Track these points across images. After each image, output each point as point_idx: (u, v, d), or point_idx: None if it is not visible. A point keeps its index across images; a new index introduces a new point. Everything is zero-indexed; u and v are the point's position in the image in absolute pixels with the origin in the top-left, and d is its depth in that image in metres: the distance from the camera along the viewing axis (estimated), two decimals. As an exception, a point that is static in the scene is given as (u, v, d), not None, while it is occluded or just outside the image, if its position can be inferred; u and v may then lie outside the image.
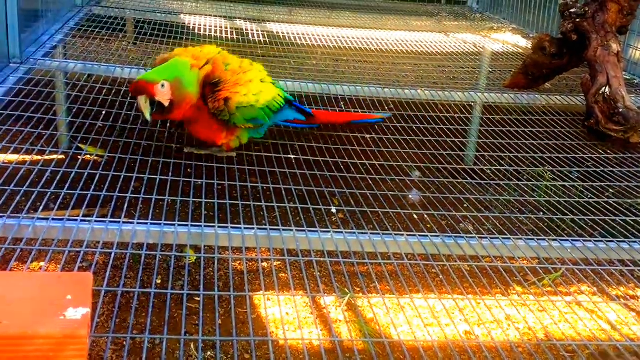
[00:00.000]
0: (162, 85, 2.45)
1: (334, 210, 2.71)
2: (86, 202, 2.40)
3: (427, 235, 2.48)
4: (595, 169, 3.31)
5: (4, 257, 2.13)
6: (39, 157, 2.84)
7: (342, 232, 2.44)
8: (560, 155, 3.44)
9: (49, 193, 2.42)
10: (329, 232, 2.43)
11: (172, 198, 2.55)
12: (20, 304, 1.53)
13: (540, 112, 4.05)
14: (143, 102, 2.46)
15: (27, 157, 2.80)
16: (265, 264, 3.04)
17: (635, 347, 2.03)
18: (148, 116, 2.48)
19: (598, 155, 3.47)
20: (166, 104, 2.50)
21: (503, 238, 2.53)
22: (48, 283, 1.66)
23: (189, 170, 2.87)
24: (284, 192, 2.73)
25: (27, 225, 2.16)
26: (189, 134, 2.97)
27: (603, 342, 2.24)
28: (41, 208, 2.33)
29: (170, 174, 2.74)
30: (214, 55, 2.76)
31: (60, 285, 1.64)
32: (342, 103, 3.98)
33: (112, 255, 2.11)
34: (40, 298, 1.56)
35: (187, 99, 2.57)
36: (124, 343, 2.61)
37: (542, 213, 2.85)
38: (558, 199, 2.96)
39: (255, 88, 2.78)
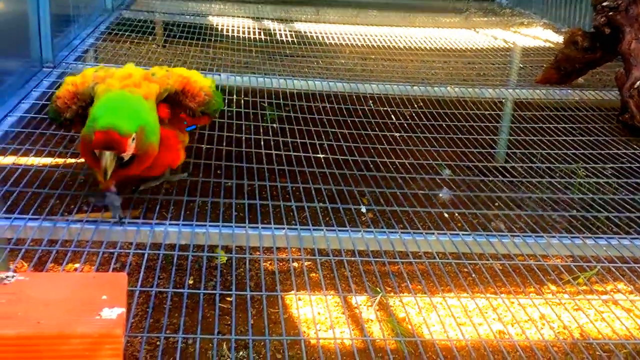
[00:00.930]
0: (133, 139, 1.95)
1: (363, 209, 2.70)
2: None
3: (458, 234, 2.46)
4: (630, 165, 3.25)
5: (40, 258, 2.16)
6: (72, 160, 2.88)
7: (372, 232, 2.43)
8: (594, 152, 3.38)
9: (82, 196, 2.46)
10: (359, 231, 2.42)
11: (202, 199, 2.57)
12: (56, 304, 1.55)
13: (573, 107, 3.98)
14: (110, 159, 1.92)
15: (61, 160, 2.84)
16: (296, 264, 3.04)
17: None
18: (109, 175, 1.97)
19: (633, 151, 3.41)
20: (127, 158, 1.99)
21: (536, 236, 2.49)
22: (84, 283, 1.68)
23: (218, 171, 2.88)
24: (313, 191, 2.73)
25: (62, 227, 2.20)
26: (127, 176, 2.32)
27: (641, 341, 2.20)
28: (75, 210, 2.36)
29: (201, 175, 2.76)
30: (143, 73, 2.28)
31: (96, 285, 1.66)
32: (371, 102, 3.97)
33: (145, 256, 2.13)
34: (76, 298, 1.59)
35: (151, 150, 2.07)
36: (158, 343, 2.64)
37: (575, 210, 2.81)
38: (592, 195, 2.91)
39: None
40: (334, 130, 3.48)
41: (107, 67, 2.34)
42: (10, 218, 2.21)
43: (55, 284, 1.67)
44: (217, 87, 2.52)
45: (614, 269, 2.32)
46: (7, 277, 1.63)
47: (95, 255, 2.28)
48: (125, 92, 2.09)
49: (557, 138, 3.53)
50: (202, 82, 2.38)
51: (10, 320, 1.47)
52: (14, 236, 2.16)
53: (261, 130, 3.36)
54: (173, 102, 2.27)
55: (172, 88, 2.25)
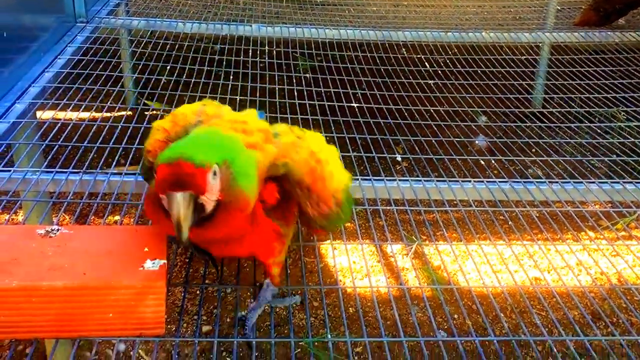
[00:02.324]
0: (215, 173, 1.33)
1: (399, 158, 2.70)
2: (156, 157, 2.46)
3: (494, 181, 2.44)
4: (674, 108, 3.17)
5: (81, 211, 2.22)
6: (109, 114, 2.91)
7: (407, 180, 2.42)
8: (634, 95, 3.29)
9: (120, 149, 2.49)
10: (394, 180, 2.41)
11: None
12: (101, 257, 1.59)
13: (613, 50, 3.86)
14: (184, 204, 1.29)
15: (98, 115, 2.88)
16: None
17: None
18: (187, 231, 1.31)
19: (677, 93, 3.31)
20: (210, 207, 1.35)
21: (574, 182, 2.46)
22: (126, 236, 1.72)
23: (253, 122, 2.89)
24: (347, 141, 2.72)
25: (102, 180, 2.24)
26: (209, 256, 1.82)
27: (681, 286, 2.18)
28: (114, 163, 2.40)
29: (235, 126, 2.78)
30: (263, 126, 1.63)
31: (138, 238, 1.70)
32: (404, 49, 3.90)
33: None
34: (119, 250, 1.63)
35: (242, 199, 1.41)
36: (198, 292, 2.71)
37: (615, 155, 2.75)
38: (633, 139, 2.85)
39: (329, 156, 1.70)
40: (367, 79, 3.45)
41: (217, 103, 1.79)
42: (51, 172, 2.26)
43: (99, 236, 1.71)
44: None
45: (654, 215, 2.28)
46: (52, 230, 1.67)
47: (134, 208, 2.33)
48: (217, 130, 1.54)
49: (596, 82, 3.45)
50: (339, 177, 1.67)
51: (57, 272, 1.51)
52: (56, 190, 2.21)
53: (294, 81, 3.34)
54: (284, 187, 1.56)
55: (295, 170, 1.54)
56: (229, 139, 1.48)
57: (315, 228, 1.65)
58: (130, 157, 2.44)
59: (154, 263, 1.58)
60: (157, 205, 1.38)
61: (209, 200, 1.34)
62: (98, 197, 2.18)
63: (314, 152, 1.60)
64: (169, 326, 2.64)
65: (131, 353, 2.90)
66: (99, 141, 2.53)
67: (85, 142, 2.52)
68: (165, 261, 1.61)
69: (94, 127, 2.66)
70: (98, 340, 1.57)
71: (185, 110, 1.70)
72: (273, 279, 1.75)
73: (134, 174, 2.29)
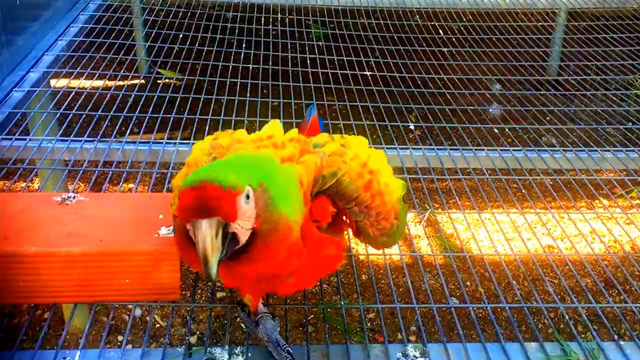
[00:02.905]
0: (247, 197, 1.14)
1: (412, 126, 2.69)
2: (169, 125, 2.47)
3: (508, 150, 2.43)
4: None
5: (96, 179, 2.24)
6: (122, 83, 2.92)
7: (420, 149, 2.42)
8: (653, 62, 3.25)
9: (134, 117, 2.50)
10: (407, 148, 2.41)
11: (250, 119, 2.59)
12: (117, 223, 1.62)
13: (630, 16, 3.80)
14: (212, 233, 1.10)
15: (111, 83, 2.89)
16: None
17: None
18: (215, 265, 1.11)
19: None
20: (244, 237, 1.16)
21: (589, 150, 2.44)
22: (141, 203, 1.74)
23: (264, 91, 2.89)
24: (360, 109, 2.72)
25: (116, 148, 2.26)
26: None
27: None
28: (128, 132, 2.41)
29: (248, 94, 2.77)
30: (296, 136, 1.45)
31: (152, 205, 1.72)
32: (417, 16, 3.86)
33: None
34: (134, 217, 1.65)
35: (282, 227, 1.20)
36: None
37: (631, 123, 2.73)
38: (649, 107, 2.83)
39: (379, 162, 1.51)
40: (380, 47, 3.42)
41: (230, 132, 1.56)
42: (66, 140, 2.28)
43: (114, 204, 1.73)
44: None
45: (669, 183, 2.27)
46: (69, 197, 1.69)
47: (149, 176, 2.34)
48: (244, 152, 1.37)
49: (613, 49, 3.40)
50: (394, 187, 1.49)
51: (75, 239, 1.54)
52: (71, 158, 2.23)
53: (307, 49, 3.33)
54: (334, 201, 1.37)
55: (347, 183, 1.36)
56: (261, 158, 1.30)
57: (377, 245, 1.46)
58: (144, 125, 2.45)
59: (169, 230, 1.60)
60: (183, 237, 1.16)
61: (242, 229, 1.13)
62: (113, 165, 2.20)
63: (365, 163, 1.41)
64: (183, 292, 2.68)
65: (147, 318, 2.95)
66: (113, 109, 2.54)
67: (99, 110, 2.53)
68: (180, 228, 1.62)
69: (108, 95, 2.67)
70: (115, 305, 1.60)
71: (197, 154, 1.46)
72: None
73: (148, 142, 2.30)
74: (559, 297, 2.89)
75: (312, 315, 2.93)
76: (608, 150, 2.44)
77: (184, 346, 1.51)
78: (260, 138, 1.43)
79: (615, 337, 1.61)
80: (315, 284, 1.51)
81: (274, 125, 1.54)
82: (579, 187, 2.30)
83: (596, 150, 2.44)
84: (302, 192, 1.28)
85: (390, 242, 1.48)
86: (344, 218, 1.41)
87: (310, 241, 1.29)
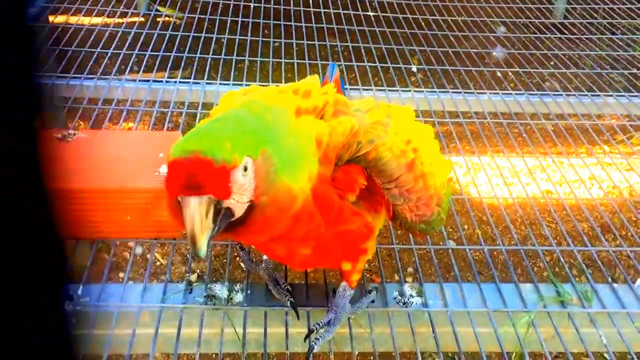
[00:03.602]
0: (245, 169, 1.02)
1: (414, 69, 2.66)
2: (169, 65, 2.44)
3: (510, 93, 2.41)
4: (699, 20, 3.07)
5: (96, 117, 2.23)
6: (121, 20, 2.87)
7: (422, 91, 2.40)
8: (661, 6, 3.19)
9: (133, 55, 2.48)
10: (409, 91, 2.39)
11: (251, 59, 2.56)
12: (117, 161, 1.62)
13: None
14: (201, 212, 0.99)
15: (110, 20, 2.84)
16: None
17: None
18: (204, 245, 1.00)
19: (703, 5, 3.20)
20: (240, 211, 1.04)
21: (592, 95, 2.43)
22: (141, 141, 1.74)
23: (266, 31, 2.85)
24: (363, 51, 2.68)
25: (116, 86, 2.24)
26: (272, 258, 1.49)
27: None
28: (127, 70, 2.39)
29: (249, 34, 2.74)
30: (329, 89, 1.27)
31: (152, 143, 1.72)
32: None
33: (198, 115, 2.17)
34: (134, 155, 1.65)
35: (284, 199, 1.07)
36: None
37: (636, 69, 2.70)
38: (655, 53, 2.79)
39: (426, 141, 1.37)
40: None
41: (258, 88, 1.37)
42: (66, 78, 2.26)
43: (114, 141, 1.73)
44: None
45: (671, 129, 2.26)
46: (69, 134, 1.69)
47: (149, 115, 2.33)
48: (257, 100, 1.19)
49: (621, -9, 3.34)
50: (439, 169, 1.35)
51: (75, 176, 1.54)
52: (71, 96, 2.22)
53: (309, -12, 3.26)
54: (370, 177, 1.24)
55: (387, 158, 1.22)
56: (270, 113, 1.13)
57: (414, 232, 1.33)
58: (144, 64, 2.42)
59: (169, 168, 1.60)
60: (174, 204, 1.03)
61: (237, 203, 1.02)
62: (113, 104, 2.19)
63: (409, 140, 1.26)
64: (184, 231, 2.71)
65: (148, 256, 2.99)
66: (112, 47, 2.51)
67: (99, 48, 2.50)
68: (181, 166, 1.63)
69: (107, 33, 2.63)
70: (116, 242, 1.62)
71: (227, 96, 1.32)
72: (351, 283, 1.43)
73: (148, 80, 2.28)
74: (556, 240, 2.92)
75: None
76: (611, 96, 2.42)
77: (184, 282, 1.53)
78: (285, 86, 1.26)
79: (609, 279, 1.63)
80: (338, 265, 1.37)
81: (312, 79, 1.33)
82: (581, 133, 2.29)
83: (599, 95, 2.42)
84: (320, 154, 1.13)
85: (429, 229, 1.33)
86: (380, 197, 1.25)
87: (325, 207, 1.15)
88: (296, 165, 1.09)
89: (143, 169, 1.60)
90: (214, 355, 1.46)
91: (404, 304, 1.51)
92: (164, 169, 1.60)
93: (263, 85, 1.63)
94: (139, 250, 3.04)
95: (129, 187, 1.54)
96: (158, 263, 3.00)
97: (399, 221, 1.28)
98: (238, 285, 1.52)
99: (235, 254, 2.59)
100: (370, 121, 1.23)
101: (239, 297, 1.49)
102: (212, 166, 0.96)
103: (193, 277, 2.91)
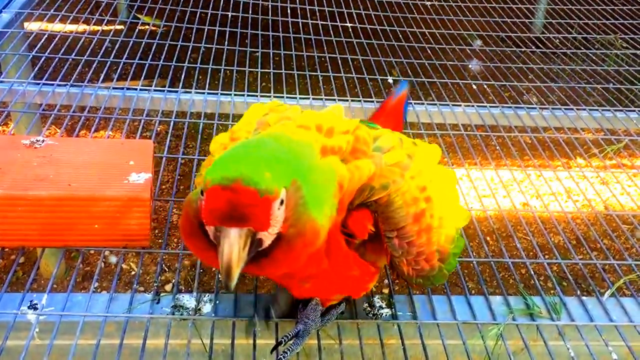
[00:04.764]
0: (282, 202, 1.00)
1: (390, 80, 2.66)
2: (144, 72, 2.43)
3: (485, 106, 2.43)
4: (671, 37, 3.12)
5: (69, 124, 2.21)
6: (98, 27, 2.85)
7: (398, 103, 2.40)
8: (634, 22, 3.23)
9: (109, 62, 2.46)
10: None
11: (228, 68, 2.55)
12: (86, 168, 1.60)
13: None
14: (241, 245, 0.98)
15: (86, 27, 2.82)
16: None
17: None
18: (237, 277, 0.99)
19: (676, 22, 3.26)
20: (268, 241, 1.02)
21: (565, 109, 2.45)
22: (111, 149, 1.72)
23: (245, 40, 2.84)
24: (340, 62, 2.69)
25: (89, 93, 2.22)
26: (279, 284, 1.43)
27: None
28: (102, 77, 2.37)
29: (227, 43, 2.73)
30: (352, 126, 1.23)
31: (123, 151, 1.70)
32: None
33: (172, 124, 2.16)
34: (104, 163, 1.63)
35: (310, 232, 1.06)
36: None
37: (611, 84, 2.73)
38: (628, 67, 2.82)
39: (443, 192, 1.31)
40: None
41: (287, 106, 1.37)
42: (39, 83, 2.23)
43: (84, 148, 1.70)
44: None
45: (643, 144, 2.29)
46: (37, 140, 1.67)
47: (122, 122, 2.31)
48: (282, 134, 1.15)
49: (596, 7, 3.38)
50: (449, 222, 1.29)
51: (43, 183, 1.52)
52: (43, 101, 2.20)
53: (288, -2, 3.27)
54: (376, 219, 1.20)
55: (397, 205, 1.18)
56: (298, 145, 1.11)
57: (410, 284, 1.29)
58: (119, 71, 2.40)
59: (139, 176, 1.59)
60: (198, 228, 1.02)
61: (268, 235, 1.00)
62: (86, 110, 2.17)
63: (425, 187, 1.21)
64: (159, 240, 2.68)
65: (123, 265, 2.96)
66: (88, 54, 2.49)
67: (73, 54, 2.48)
68: (151, 175, 1.62)
69: (83, 39, 2.61)
70: (83, 250, 1.60)
71: (241, 126, 1.29)
72: (325, 302, 1.39)
73: (122, 88, 2.26)
74: (531, 253, 2.93)
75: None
76: (584, 109, 2.44)
77: (152, 293, 1.51)
78: (308, 118, 1.21)
79: (578, 292, 1.64)
80: (333, 298, 1.37)
81: (336, 109, 1.31)
82: (555, 147, 2.31)
83: (572, 109, 2.45)
84: (339, 198, 1.11)
85: (427, 284, 1.28)
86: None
87: (334, 253, 1.15)
88: (322, 202, 1.07)
89: (112, 177, 1.58)
90: (180, 367, 1.44)
91: (374, 315, 1.51)
92: (133, 177, 1.58)
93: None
94: (113, 259, 3.01)
95: (98, 195, 1.52)
96: (132, 272, 2.98)
97: (396, 271, 1.25)
98: (207, 295, 1.51)
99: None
100: (389, 163, 1.19)
101: (207, 307, 1.48)
102: (257, 197, 0.95)
103: (168, 287, 2.88)
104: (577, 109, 2.43)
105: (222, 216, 0.95)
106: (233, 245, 0.96)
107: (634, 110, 2.45)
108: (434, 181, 1.24)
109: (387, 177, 1.16)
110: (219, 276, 1.02)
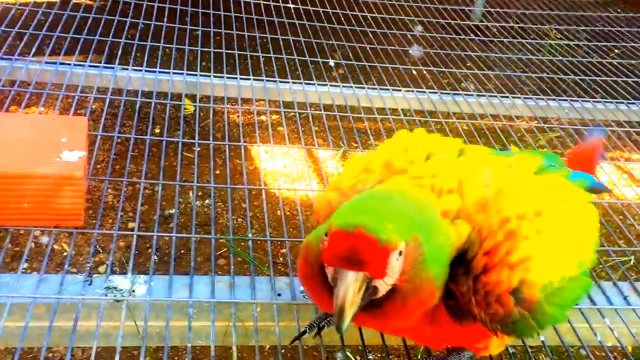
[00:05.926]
0: (400, 253, 1.03)
1: (332, 63, 2.66)
2: (79, 47, 2.35)
3: (424, 91, 2.46)
4: (603, 29, 3.22)
5: (-2, 100, 2.12)
6: (30, -1, 2.75)
7: (339, 86, 2.41)
8: (569, 13, 3.33)
9: (42, 36, 2.37)
10: (325, 85, 2.40)
11: (167, 46, 2.50)
12: (16, 145, 1.54)
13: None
14: (356, 288, 1.01)
15: (17, -2, 2.71)
16: (262, 117, 3.04)
17: (622, 207, 2.08)
18: (349, 320, 1.02)
19: (608, 14, 3.36)
20: (382, 291, 1.04)
21: (501, 96, 2.51)
22: (43, 125, 1.66)
23: (185, 18, 2.78)
24: (282, 43, 2.67)
25: (19, 67, 2.13)
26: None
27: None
28: (33, 51, 2.28)
29: (166, 20, 2.67)
30: (460, 175, 1.21)
31: (56, 127, 1.64)
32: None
33: (107, 101, 2.09)
34: (36, 140, 1.58)
35: (426, 289, 1.08)
36: (128, 188, 2.68)
37: (545, 73, 2.80)
38: (562, 58, 2.91)
39: (560, 238, 1.19)
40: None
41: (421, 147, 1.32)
42: (-36, 57, 2.13)
43: (14, 124, 1.64)
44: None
45: (574, 132, 2.36)
46: (-37, 115, 1.60)
47: (54, 98, 2.24)
48: (406, 190, 1.17)
49: (533, -3, 3.47)
50: (546, 264, 1.14)
51: (-31, 159, 1.46)
52: (-31, 75, 2.10)
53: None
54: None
55: (475, 242, 1.13)
56: (421, 204, 1.12)
57: (487, 329, 1.16)
58: (52, 44, 2.32)
59: (72, 154, 1.54)
60: (318, 271, 1.07)
61: (383, 284, 1.03)
62: (16, 85, 2.08)
63: (508, 218, 1.14)
64: (93, 221, 2.62)
65: (54, 246, 2.87)
66: (18, 26, 2.39)
67: (3, 25, 2.37)
68: (85, 153, 1.57)
69: (13, 10, 2.50)
70: (13, 229, 1.54)
71: (347, 173, 1.31)
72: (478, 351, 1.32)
73: (55, 62, 2.18)
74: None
75: (225, 249, 2.94)
76: (519, 98, 2.50)
77: (84, 274, 1.47)
78: (421, 175, 1.20)
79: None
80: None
81: (446, 160, 1.27)
82: (490, 134, 2.36)
83: (508, 97, 2.50)
84: (450, 254, 1.10)
85: (509, 332, 1.16)
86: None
87: (435, 321, 1.15)
88: (441, 262, 1.09)
89: (44, 154, 1.53)
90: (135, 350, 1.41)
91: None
92: (66, 155, 1.53)
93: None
94: (45, 239, 2.92)
95: (28, 173, 1.47)
96: (65, 253, 2.89)
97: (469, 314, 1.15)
98: (141, 277, 1.48)
99: (148, 246, 2.54)
100: (472, 199, 1.15)
101: (141, 289, 1.45)
102: (376, 245, 0.99)
103: (102, 268, 2.82)
104: (513, 97, 2.49)
105: (342, 259, 1.00)
106: (349, 287, 1.00)
107: (566, 100, 2.53)
108: (527, 216, 1.15)
109: (471, 221, 1.13)
110: (332, 319, 1.08)
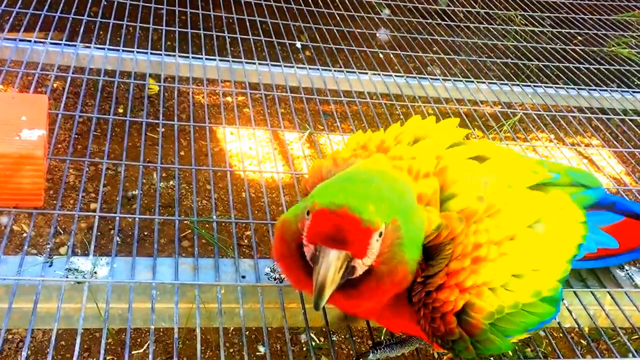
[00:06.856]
0: (380, 234, 1.04)
1: (298, 45, 2.65)
2: (39, 24, 2.29)
3: (391, 75, 2.46)
4: (567, 16, 3.27)
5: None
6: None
7: (305, 68, 2.40)
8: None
9: (0, 12, 2.30)
10: (292, 67, 2.39)
11: (131, 24, 2.45)
12: (-28, 123, 1.50)
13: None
14: (337, 266, 1.02)
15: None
16: (228, 99, 3.01)
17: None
18: (327, 297, 1.04)
19: (572, 1, 3.41)
20: (359, 271, 1.06)
21: (466, 81, 2.52)
22: (2, 103, 1.62)
23: (150, -5, 2.73)
24: (248, 24, 2.64)
25: (-23, 44, 2.08)
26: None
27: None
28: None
29: (130, -3, 2.62)
30: (444, 161, 1.22)
31: (14, 105, 1.60)
32: None
33: (69, 80, 2.05)
34: (-7, 118, 1.54)
35: (401, 271, 1.10)
36: (90, 168, 2.63)
37: (509, 59, 2.83)
38: (526, 44, 2.94)
39: (531, 257, 1.21)
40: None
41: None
42: None
43: (-29, 102, 1.60)
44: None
45: (536, 117, 2.39)
46: None
47: (14, 76, 2.18)
48: (385, 170, 1.18)
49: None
50: (504, 293, 1.16)
51: None
52: None
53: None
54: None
55: (446, 250, 1.16)
56: (400, 186, 1.13)
57: (433, 342, 1.20)
58: (11, 20, 2.25)
59: (32, 133, 1.51)
60: (296, 249, 1.07)
61: (361, 265, 1.05)
62: (-27, 62, 2.03)
63: (480, 244, 1.15)
64: (53, 201, 2.57)
65: (13, 227, 2.82)
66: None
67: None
68: (45, 132, 1.54)
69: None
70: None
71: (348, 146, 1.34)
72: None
73: (14, 39, 2.13)
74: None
75: (189, 231, 2.92)
76: (483, 82, 2.53)
77: (44, 255, 1.45)
78: (400, 156, 1.23)
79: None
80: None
81: (426, 144, 1.27)
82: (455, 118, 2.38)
83: (472, 81, 2.53)
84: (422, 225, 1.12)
85: (449, 350, 1.21)
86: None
87: (397, 305, 1.18)
88: (415, 247, 1.11)
89: (2, 133, 1.49)
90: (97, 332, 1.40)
91: (275, 279, 1.51)
92: (25, 134, 1.50)
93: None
94: (3, 220, 2.86)
95: (-15, 152, 1.43)
96: (24, 235, 2.84)
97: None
98: (104, 259, 1.46)
99: (110, 227, 2.50)
100: (454, 209, 1.16)
101: (103, 271, 1.43)
102: (359, 225, 1.00)
103: (63, 250, 2.77)
104: (478, 82, 2.52)
105: (325, 237, 1.01)
106: (330, 265, 1.01)
107: (529, 85, 2.56)
108: (514, 239, 1.18)
109: (449, 224, 1.14)
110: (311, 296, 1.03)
